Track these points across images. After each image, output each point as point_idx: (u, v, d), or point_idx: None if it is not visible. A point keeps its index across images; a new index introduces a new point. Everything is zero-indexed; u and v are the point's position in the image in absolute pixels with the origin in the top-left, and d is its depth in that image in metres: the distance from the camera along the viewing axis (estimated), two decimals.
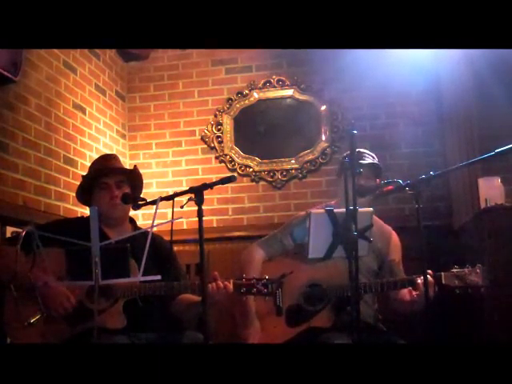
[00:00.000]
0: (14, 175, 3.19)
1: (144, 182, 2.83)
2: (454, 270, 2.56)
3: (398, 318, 2.90)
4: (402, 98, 4.24)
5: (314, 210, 2.45)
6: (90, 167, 2.84)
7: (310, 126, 4.39)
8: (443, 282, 2.54)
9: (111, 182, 2.66)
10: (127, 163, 4.52)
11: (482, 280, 2.51)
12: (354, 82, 4.26)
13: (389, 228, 2.99)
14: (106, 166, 2.71)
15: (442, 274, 2.55)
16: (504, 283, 2.83)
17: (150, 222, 2.13)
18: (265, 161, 4.42)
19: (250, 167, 4.42)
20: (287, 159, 4.39)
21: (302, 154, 4.37)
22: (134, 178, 2.74)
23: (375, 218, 2.33)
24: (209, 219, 4.31)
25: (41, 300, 2.24)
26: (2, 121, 3.15)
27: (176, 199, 2.27)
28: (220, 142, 4.48)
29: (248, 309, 2.75)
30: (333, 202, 2.93)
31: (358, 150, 2.81)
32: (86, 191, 2.71)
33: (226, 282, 2.44)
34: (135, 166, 2.79)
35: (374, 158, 2.91)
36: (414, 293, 2.60)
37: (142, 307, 2.52)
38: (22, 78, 3.29)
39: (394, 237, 2.98)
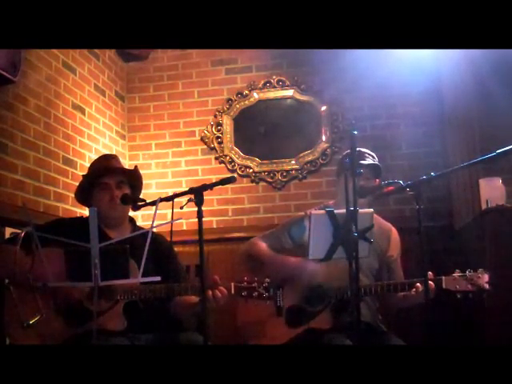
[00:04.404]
0: (13, 176, 3.18)
1: (143, 182, 2.82)
2: (456, 275, 2.54)
3: (393, 312, 2.91)
4: (403, 99, 4.24)
5: (314, 211, 2.44)
6: (90, 167, 2.83)
7: (310, 127, 4.38)
8: (444, 286, 2.53)
9: (111, 182, 2.65)
10: (127, 164, 4.51)
11: (483, 285, 2.49)
12: (354, 83, 4.26)
13: (388, 225, 2.99)
14: (106, 166, 2.70)
15: (443, 278, 2.54)
16: (504, 284, 2.81)
17: (150, 222, 2.12)
18: (265, 161, 4.41)
19: (250, 168, 4.41)
20: (287, 160, 4.38)
21: (302, 154, 4.36)
22: (134, 179, 2.73)
23: (374, 215, 2.32)
24: (208, 220, 4.30)
25: (40, 301, 2.24)
26: (1, 121, 3.14)
27: (176, 200, 2.26)
28: (220, 143, 4.47)
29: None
30: (331, 203, 2.92)
31: (358, 149, 2.81)
32: (86, 191, 2.70)
33: (223, 289, 2.43)
34: (136, 166, 2.78)
35: (374, 157, 2.90)
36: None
37: (141, 308, 2.51)
38: (21, 79, 3.28)
39: (394, 233, 2.98)
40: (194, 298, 2.53)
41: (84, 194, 2.71)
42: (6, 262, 2.30)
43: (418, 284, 2.53)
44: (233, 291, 2.45)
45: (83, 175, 2.77)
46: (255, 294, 2.45)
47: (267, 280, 2.48)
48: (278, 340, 2.70)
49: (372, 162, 2.86)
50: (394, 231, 2.98)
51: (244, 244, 3.01)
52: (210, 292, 2.37)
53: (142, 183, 2.78)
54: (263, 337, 2.75)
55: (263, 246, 2.88)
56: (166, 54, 4.66)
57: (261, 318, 2.76)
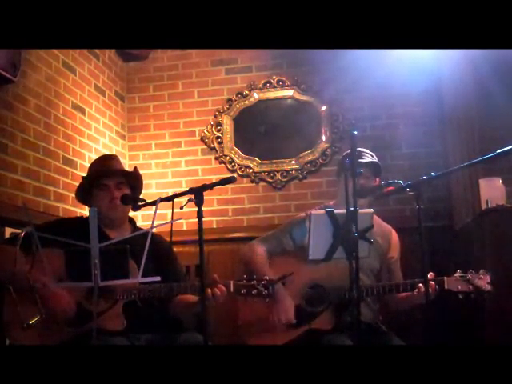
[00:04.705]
0: (13, 176, 3.18)
1: (143, 182, 2.82)
2: (457, 275, 2.54)
3: (394, 312, 2.90)
4: (403, 99, 4.23)
5: (314, 211, 2.44)
6: (90, 167, 2.83)
7: (311, 127, 4.38)
8: (446, 286, 2.53)
9: (111, 183, 2.65)
10: (127, 164, 4.51)
11: (485, 286, 2.49)
12: (354, 83, 4.25)
13: (389, 226, 3.00)
14: (106, 167, 2.70)
15: (445, 278, 2.54)
16: (505, 284, 2.81)
17: (150, 222, 2.12)
18: (265, 161, 4.41)
19: (250, 168, 4.41)
20: (287, 160, 4.38)
21: (302, 154, 4.36)
22: (134, 180, 2.73)
23: (375, 217, 2.32)
24: (208, 220, 4.30)
25: (40, 302, 2.23)
26: (1, 121, 3.14)
27: (176, 200, 2.26)
28: (220, 143, 4.47)
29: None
30: (331, 203, 2.92)
31: (357, 149, 2.81)
32: (86, 192, 2.70)
33: (222, 287, 2.42)
34: (136, 167, 2.78)
35: (373, 156, 2.91)
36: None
37: (141, 308, 2.51)
38: (21, 79, 3.28)
39: (394, 235, 2.98)
40: (193, 298, 2.53)
41: (84, 194, 2.71)
42: (6, 263, 2.30)
43: (421, 284, 2.53)
44: (232, 289, 2.45)
45: (83, 177, 2.77)
46: (254, 291, 2.45)
47: (266, 277, 2.48)
48: (279, 340, 2.70)
49: (371, 160, 2.86)
50: (394, 233, 2.99)
51: (244, 246, 2.99)
52: (210, 290, 2.37)
53: (141, 184, 2.78)
54: (264, 336, 2.74)
55: (260, 252, 2.85)
56: (166, 54, 4.65)
57: (261, 317, 2.75)
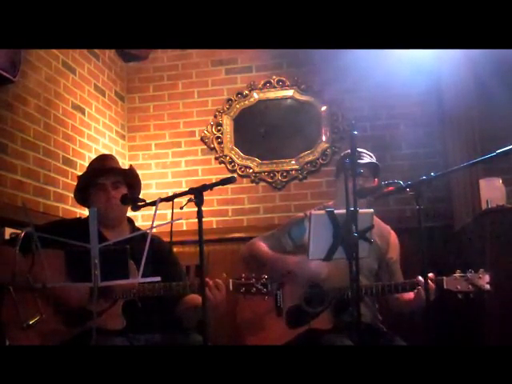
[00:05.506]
0: (12, 176, 3.18)
1: (143, 182, 2.81)
2: (457, 275, 2.54)
3: (396, 315, 2.90)
4: (403, 99, 4.23)
5: (314, 212, 2.44)
6: (88, 167, 2.84)
7: (311, 127, 4.38)
8: (445, 286, 2.53)
9: (107, 182, 2.64)
10: (126, 164, 4.50)
11: (484, 286, 2.49)
12: (354, 83, 4.25)
13: (387, 227, 3.00)
14: (101, 166, 2.70)
15: (444, 278, 2.54)
16: (504, 285, 2.81)
17: (150, 223, 2.11)
18: (265, 162, 4.41)
19: (250, 168, 4.41)
20: (287, 160, 4.38)
21: (302, 154, 4.36)
22: (130, 178, 2.73)
23: (374, 217, 2.32)
24: (208, 220, 4.30)
25: (40, 302, 2.23)
26: (1, 121, 3.14)
27: (176, 200, 2.26)
28: (220, 143, 4.47)
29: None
30: (330, 203, 2.92)
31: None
32: (83, 191, 2.70)
33: (218, 281, 2.42)
34: (131, 165, 2.79)
35: (371, 157, 2.91)
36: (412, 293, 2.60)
37: (141, 308, 2.51)
38: (21, 79, 3.28)
39: (393, 236, 2.98)
40: (199, 299, 2.52)
41: (82, 194, 2.71)
42: (6, 263, 2.30)
43: (419, 286, 2.53)
44: (231, 288, 2.45)
45: (79, 175, 2.77)
46: (253, 289, 2.45)
47: (265, 276, 2.48)
48: (279, 341, 2.70)
49: (370, 160, 2.86)
50: (393, 234, 2.99)
51: (244, 244, 3.01)
52: (207, 289, 2.36)
53: (139, 182, 2.77)
54: (263, 335, 2.74)
55: (263, 245, 2.89)
56: (166, 54, 4.65)
57: (261, 316, 2.76)
